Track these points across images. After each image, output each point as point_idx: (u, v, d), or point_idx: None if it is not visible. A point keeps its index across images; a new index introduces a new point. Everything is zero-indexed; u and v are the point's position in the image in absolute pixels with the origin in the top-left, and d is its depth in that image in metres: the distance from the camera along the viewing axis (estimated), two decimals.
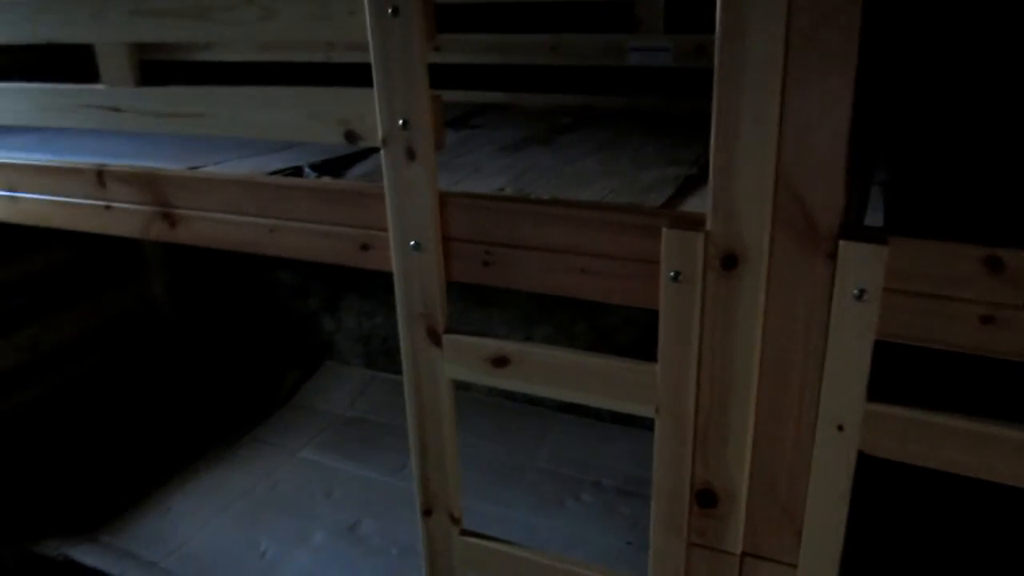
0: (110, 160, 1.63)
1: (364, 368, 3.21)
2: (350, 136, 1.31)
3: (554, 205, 1.24)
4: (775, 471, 1.18)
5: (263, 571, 2.16)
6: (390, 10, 1.17)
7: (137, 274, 3.12)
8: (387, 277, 2.82)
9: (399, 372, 3.02)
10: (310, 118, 1.34)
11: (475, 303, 2.75)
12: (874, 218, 1.20)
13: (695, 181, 1.43)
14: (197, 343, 3.25)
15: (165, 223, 1.56)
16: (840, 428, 1.11)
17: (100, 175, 1.59)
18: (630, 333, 2.59)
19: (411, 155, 1.23)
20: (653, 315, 1.16)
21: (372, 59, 1.21)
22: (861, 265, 1.02)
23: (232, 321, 3.35)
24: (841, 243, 1.03)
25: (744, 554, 1.25)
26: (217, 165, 1.57)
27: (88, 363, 2.90)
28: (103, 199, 1.61)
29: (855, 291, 1.03)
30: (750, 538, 1.24)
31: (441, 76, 2.27)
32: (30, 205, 1.71)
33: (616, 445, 2.68)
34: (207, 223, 1.51)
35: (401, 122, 1.21)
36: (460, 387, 2.87)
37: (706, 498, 1.24)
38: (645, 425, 2.55)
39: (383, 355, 3.19)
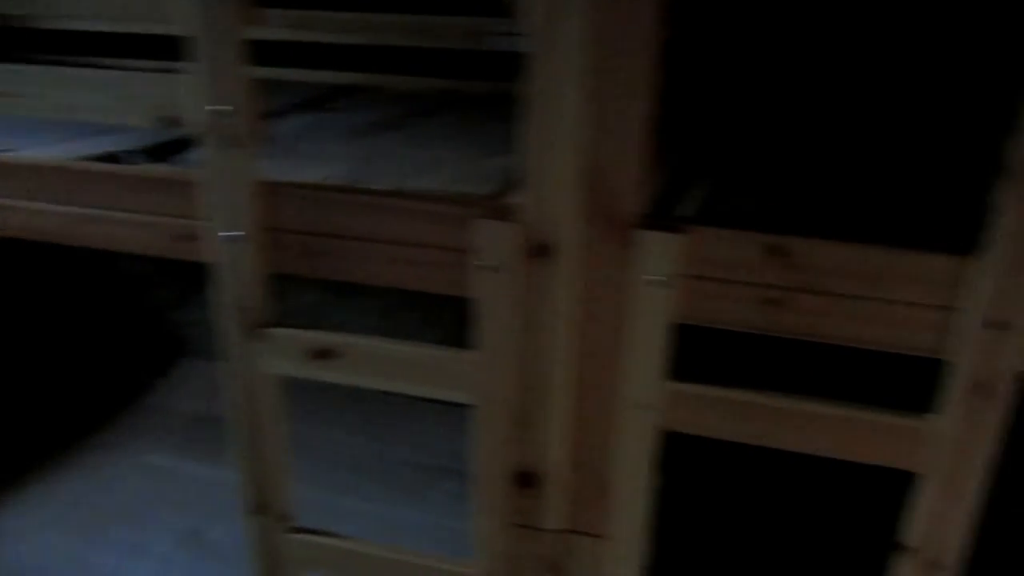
0: None
1: (217, 363, 3.17)
2: (166, 121, 1.31)
3: (374, 195, 1.27)
4: (587, 451, 1.25)
5: None
6: None
7: None
8: None
9: None
10: (124, 101, 1.33)
11: (335, 294, 2.76)
12: (684, 211, 1.27)
13: None
14: (28, 347, 3.14)
15: None
16: (642, 406, 1.18)
17: None
18: None
19: (230, 143, 1.24)
20: None
21: (195, 43, 1.21)
22: (658, 252, 1.10)
23: (73, 317, 3.25)
24: (641, 232, 1.09)
25: (561, 530, 1.32)
26: (29, 149, 1.52)
27: None
28: None
29: (653, 277, 1.10)
30: (566, 515, 1.31)
31: (305, 55, 2.25)
32: None
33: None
34: (9, 212, 1.48)
35: (221, 109, 1.23)
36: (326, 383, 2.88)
37: (525, 479, 1.30)
38: None
39: None
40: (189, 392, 3.07)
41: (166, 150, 1.53)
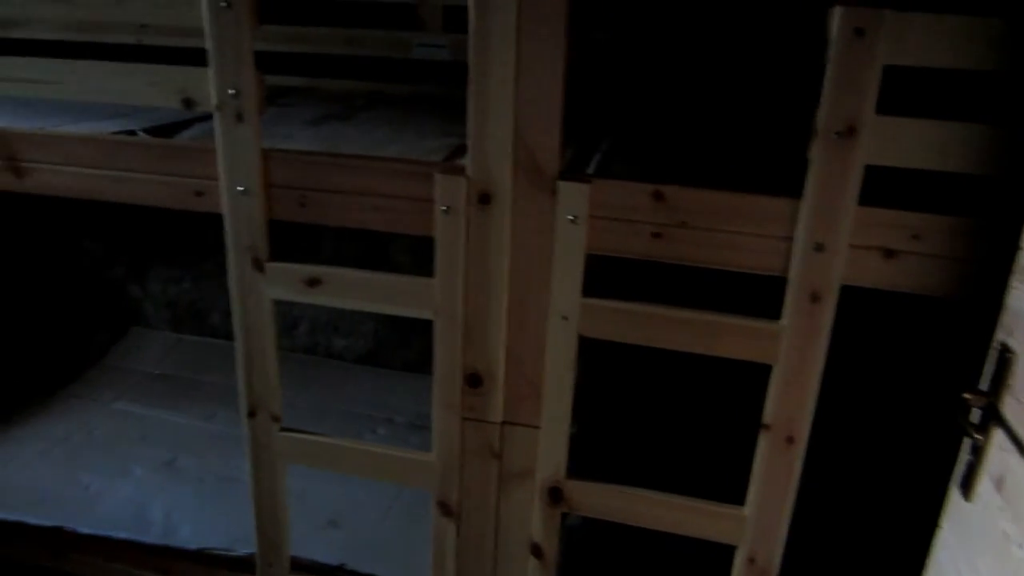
0: None
1: (170, 332, 3.61)
2: (187, 102, 1.77)
3: (354, 159, 1.73)
4: (522, 355, 1.72)
5: (89, 501, 2.52)
6: (224, 3, 1.63)
7: None
8: (194, 245, 3.25)
9: (207, 335, 3.45)
10: (152, 86, 1.79)
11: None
12: (592, 169, 1.77)
13: (463, 149, 1.94)
14: (11, 311, 3.55)
15: (12, 175, 1.92)
16: (565, 318, 1.66)
17: None
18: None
19: (240, 118, 1.69)
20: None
21: (208, 40, 1.65)
22: (573, 198, 1.58)
23: (36, 289, 3.66)
24: (559, 183, 1.58)
25: (503, 422, 1.79)
26: (57, 128, 1.96)
27: None
28: None
29: (569, 217, 1.59)
30: (507, 409, 1.78)
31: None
32: None
33: (407, 389, 3.23)
34: (53, 174, 1.90)
35: (232, 91, 1.67)
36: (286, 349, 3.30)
37: (473, 380, 1.77)
38: (430, 371, 3.12)
39: (190, 318, 3.60)
40: (142, 355, 3.53)
41: (167, 130, 1.97)
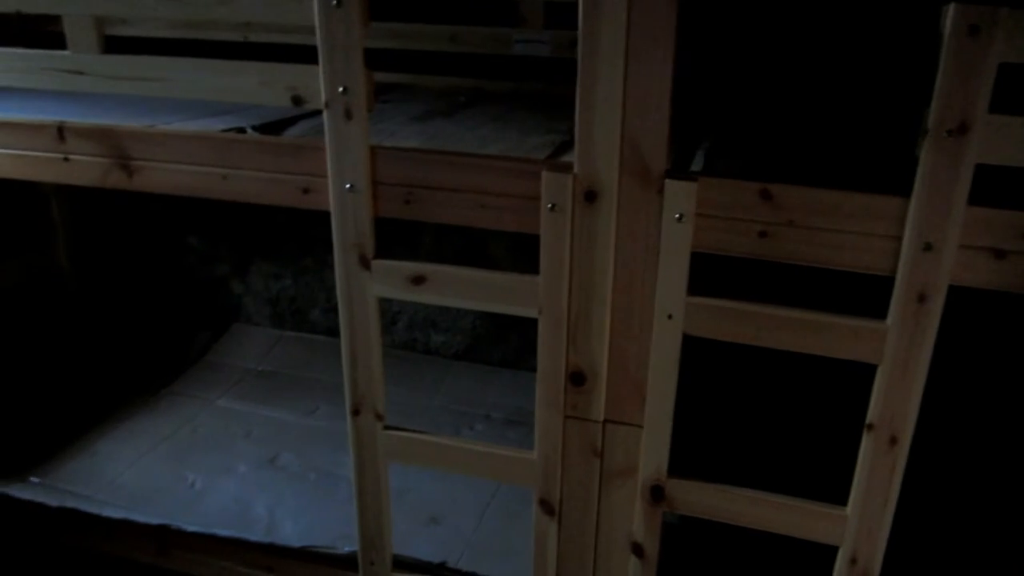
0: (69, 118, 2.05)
1: (272, 328, 3.71)
2: (296, 100, 1.83)
3: (461, 156, 1.77)
4: (626, 353, 1.74)
5: (195, 498, 2.62)
6: (334, 2, 1.68)
7: (41, 242, 3.51)
8: (295, 242, 3.35)
9: (306, 331, 3.56)
10: (263, 85, 1.85)
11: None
12: (696, 166, 1.79)
13: (567, 145, 1.98)
14: (105, 310, 3.68)
15: (123, 172, 2.00)
16: (670, 316, 1.68)
17: (60, 130, 2.02)
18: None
19: (348, 115, 1.74)
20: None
21: (318, 38, 1.70)
22: (679, 197, 1.59)
23: (141, 287, 3.80)
24: (667, 181, 1.59)
25: (605, 421, 1.82)
26: (166, 125, 2.02)
27: None
28: (62, 152, 2.04)
29: (676, 215, 1.60)
30: (609, 408, 1.80)
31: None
32: None
33: (504, 385, 3.28)
34: (163, 172, 1.97)
35: (341, 89, 1.72)
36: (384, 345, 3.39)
37: (577, 378, 1.80)
38: (528, 367, 3.15)
39: (291, 315, 3.70)
40: (244, 351, 3.64)
41: (273, 127, 2.03)
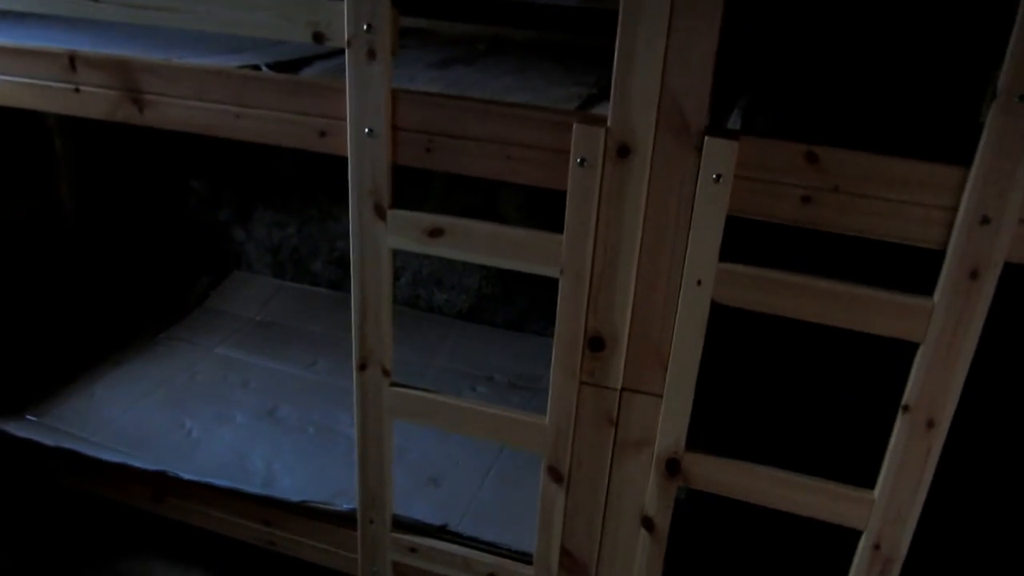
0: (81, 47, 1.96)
1: (272, 277, 3.62)
2: (317, 36, 1.72)
3: (488, 103, 1.67)
4: (649, 319, 1.66)
5: (191, 445, 2.54)
6: None
7: (43, 177, 3.41)
8: (300, 190, 3.26)
9: (307, 282, 3.48)
10: (283, 19, 1.75)
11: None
12: (733, 124, 1.69)
13: (595, 99, 1.88)
14: (105, 248, 3.58)
15: (134, 107, 1.91)
16: (699, 283, 1.59)
17: (72, 60, 1.92)
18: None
19: (371, 55, 1.64)
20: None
21: None
22: (719, 156, 1.50)
23: (143, 229, 3.70)
24: (706, 139, 1.50)
25: (623, 389, 1.73)
26: (180, 59, 1.92)
27: None
28: (73, 82, 1.95)
29: (714, 175, 1.51)
30: (628, 375, 1.72)
31: None
32: None
33: (508, 347, 3.19)
34: (175, 108, 1.88)
35: (365, 26, 1.62)
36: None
37: (596, 343, 1.71)
38: (533, 331, 3.06)
39: (292, 265, 3.60)
40: (243, 300, 3.54)
41: (288, 66, 1.93)
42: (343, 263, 3.37)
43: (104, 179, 3.59)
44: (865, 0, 2.22)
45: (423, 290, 3.47)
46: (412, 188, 2.84)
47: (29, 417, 2.63)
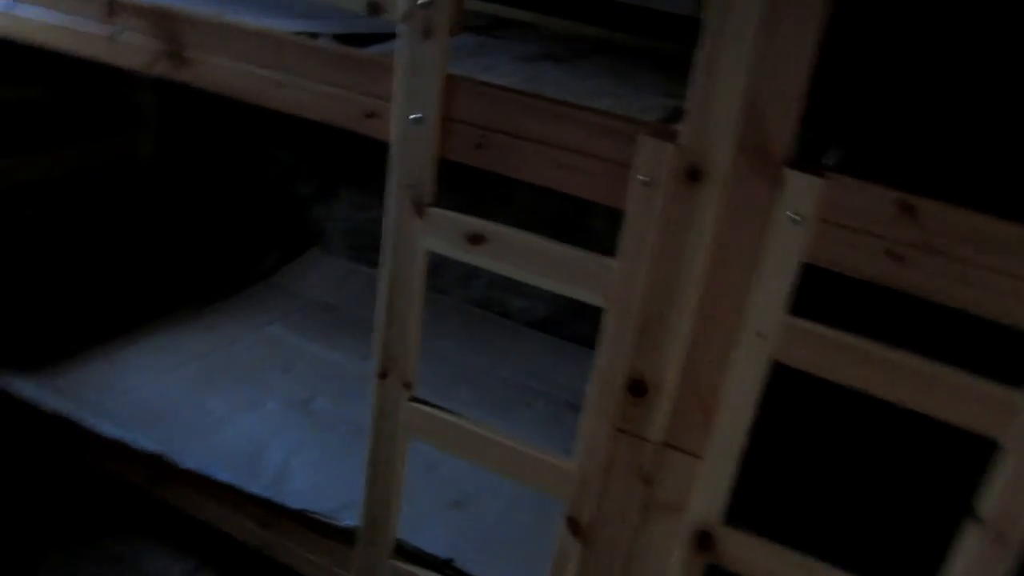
0: None
1: (348, 260, 3.48)
2: (373, 7, 1.57)
3: (549, 102, 1.49)
4: (699, 369, 1.45)
5: (209, 427, 2.39)
6: None
7: (123, 128, 3.34)
8: (386, 169, 3.08)
9: None
10: None
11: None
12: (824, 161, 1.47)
13: (681, 114, 1.68)
14: (176, 209, 3.49)
15: (172, 61, 1.77)
16: (760, 335, 1.38)
17: (111, 4, 1.80)
18: None
19: (427, 33, 1.47)
20: None
21: None
22: (801, 192, 1.29)
23: (220, 193, 3.60)
24: (787, 171, 1.29)
25: (660, 443, 1.53)
26: (235, 18, 1.77)
27: (60, 208, 3.09)
28: (109, 28, 1.82)
29: (792, 214, 1.30)
30: (668, 429, 1.51)
31: None
32: (32, 24, 1.92)
33: (577, 364, 2.96)
34: (214, 68, 1.74)
35: (423, 1, 1.46)
36: (438, 290, 3.14)
37: (637, 388, 1.51)
38: None
39: (371, 249, 3.44)
40: (313, 280, 3.40)
41: (355, 41, 1.76)
42: None
43: (186, 138, 3.51)
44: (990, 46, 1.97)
45: (498, 294, 3.29)
46: (498, 186, 2.65)
47: (43, 377, 2.49)
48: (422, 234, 1.61)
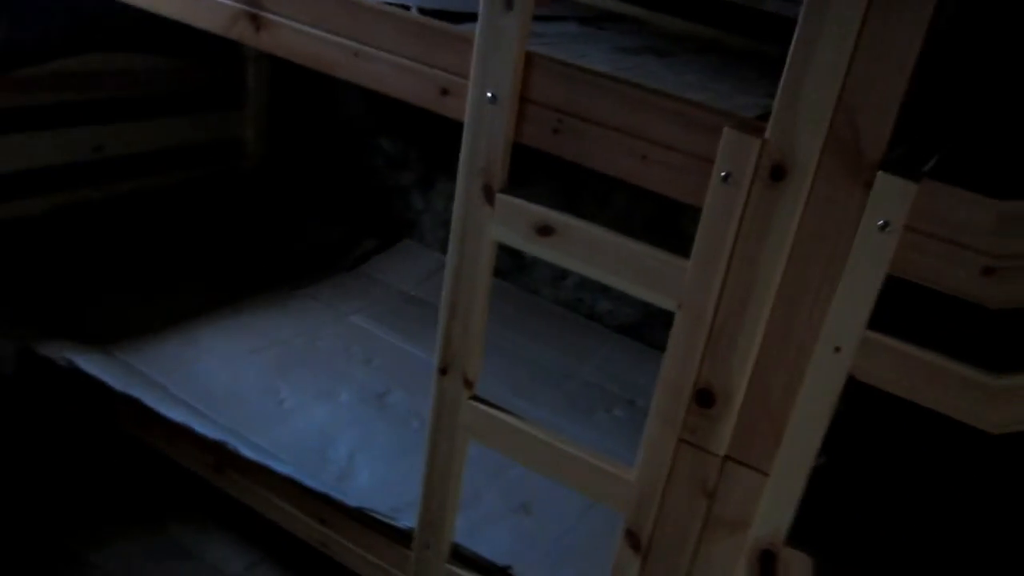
0: None
1: (440, 253, 3.43)
2: None
3: (632, 87, 1.40)
4: (771, 381, 1.36)
5: (277, 416, 2.36)
6: None
7: (230, 110, 3.36)
8: None
9: None
10: None
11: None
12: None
13: None
14: (275, 192, 3.50)
15: (251, 25, 1.74)
16: (838, 349, 1.28)
17: None
18: None
19: (508, 4, 1.40)
20: None
21: None
22: (891, 197, 1.19)
23: (320, 179, 3.60)
24: (879, 174, 1.19)
25: (726, 457, 1.44)
26: None
27: (155, 182, 3.11)
28: None
29: (880, 221, 1.20)
30: (735, 442, 1.42)
31: None
32: None
33: (658, 371, 2.89)
34: (293, 33, 1.70)
35: None
36: (528, 290, 3.08)
37: (704, 397, 1.42)
38: None
39: None
40: (403, 271, 3.36)
41: (448, 17, 1.70)
42: (517, 253, 3.15)
43: (292, 121, 3.52)
44: None
45: (587, 295, 3.21)
46: (594, 188, 2.59)
47: (117, 352, 2.47)
48: (490, 222, 1.55)
